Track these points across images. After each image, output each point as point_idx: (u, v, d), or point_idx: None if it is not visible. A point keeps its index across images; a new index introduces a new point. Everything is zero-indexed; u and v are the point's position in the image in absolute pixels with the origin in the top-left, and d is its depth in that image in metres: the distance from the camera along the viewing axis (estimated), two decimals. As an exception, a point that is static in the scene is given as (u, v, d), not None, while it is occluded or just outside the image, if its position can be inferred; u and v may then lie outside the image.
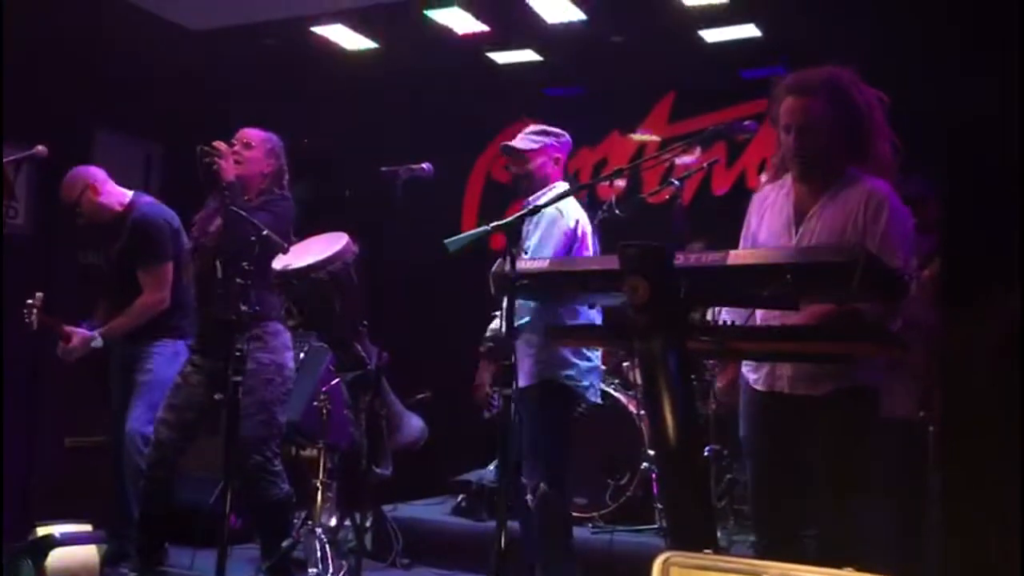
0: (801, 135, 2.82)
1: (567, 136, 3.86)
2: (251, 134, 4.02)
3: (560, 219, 3.61)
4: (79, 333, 4.31)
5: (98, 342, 4.33)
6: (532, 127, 3.82)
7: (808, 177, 2.89)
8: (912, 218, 2.87)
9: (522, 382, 3.62)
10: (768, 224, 2.96)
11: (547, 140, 3.76)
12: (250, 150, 3.94)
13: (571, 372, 3.64)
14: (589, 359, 3.71)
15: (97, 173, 4.51)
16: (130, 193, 4.54)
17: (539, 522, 3.65)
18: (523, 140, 3.76)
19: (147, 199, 4.54)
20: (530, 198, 3.72)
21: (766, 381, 2.90)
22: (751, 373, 3.00)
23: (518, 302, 3.40)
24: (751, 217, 3.06)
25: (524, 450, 3.63)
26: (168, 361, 4.31)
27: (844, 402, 2.77)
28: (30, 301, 4.24)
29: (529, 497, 3.61)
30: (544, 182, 3.75)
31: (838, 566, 1.82)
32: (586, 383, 3.69)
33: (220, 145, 3.75)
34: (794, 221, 2.88)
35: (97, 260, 4.51)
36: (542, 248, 3.56)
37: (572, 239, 3.63)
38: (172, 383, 4.01)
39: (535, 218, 3.61)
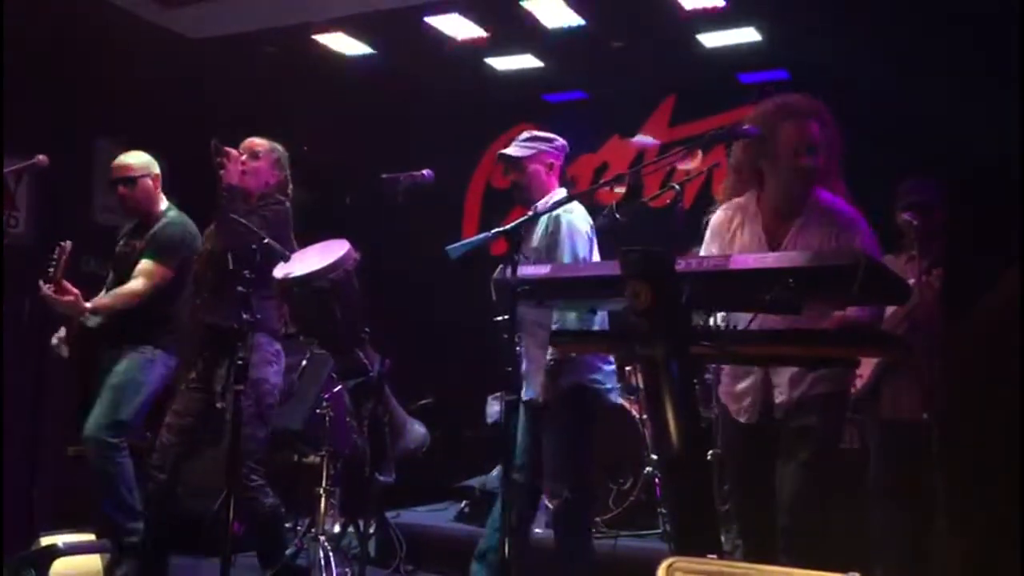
0: (809, 155, 2.89)
1: (561, 140, 3.85)
2: (258, 144, 4.04)
3: (581, 229, 3.64)
4: (79, 299, 4.08)
5: (88, 318, 4.19)
6: (525, 133, 3.83)
7: (790, 198, 2.95)
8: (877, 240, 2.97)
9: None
10: (740, 247, 2.99)
11: (541, 146, 3.76)
12: (256, 160, 3.98)
13: (598, 376, 3.66)
14: (610, 362, 3.74)
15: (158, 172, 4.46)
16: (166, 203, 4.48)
17: (563, 527, 3.65)
18: (516, 148, 3.77)
19: (175, 212, 4.44)
20: (536, 204, 3.70)
21: (755, 413, 2.96)
22: (731, 403, 3.04)
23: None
24: (712, 240, 3.09)
25: (547, 458, 3.62)
26: (140, 366, 4.23)
27: (824, 402, 2.90)
28: (62, 243, 4.07)
29: (549, 503, 3.60)
30: (541, 188, 3.75)
31: (843, 571, 1.81)
32: (609, 385, 3.72)
33: (232, 151, 3.76)
34: (767, 244, 2.94)
35: (98, 269, 4.49)
36: (570, 259, 3.57)
37: (591, 245, 3.68)
38: (149, 387, 4.11)
39: (548, 225, 3.64)
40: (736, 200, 3.07)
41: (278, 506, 3.91)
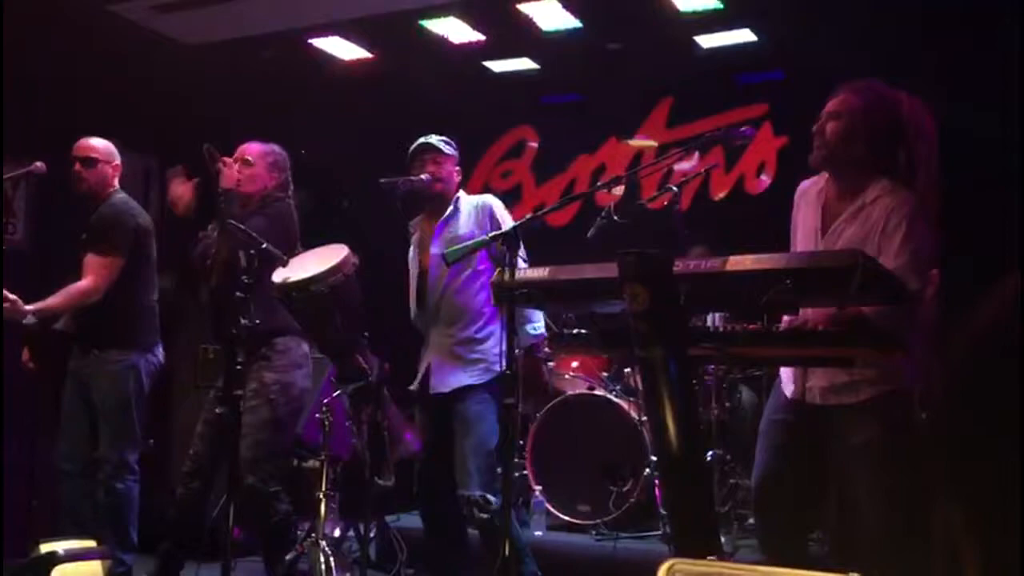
0: (827, 119, 2.84)
1: None
2: (251, 150, 4.01)
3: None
4: (16, 303, 3.96)
5: (30, 319, 4.05)
6: (440, 136, 3.97)
7: (833, 171, 2.88)
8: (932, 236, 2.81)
9: (468, 380, 3.69)
10: (802, 227, 2.95)
11: (455, 153, 3.99)
12: (249, 167, 3.96)
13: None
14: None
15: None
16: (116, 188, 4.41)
17: (492, 532, 3.56)
18: (443, 144, 3.94)
19: (122, 195, 4.36)
20: (458, 196, 3.94)
21: (795, 391, 2.86)
22: (784, 371, 2.95)
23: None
24: (794, 212, 3.03)
25: (467, 458, 3.61)
26: (121, 379, 4.12)
27: (880, 406, 2.72)
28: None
29: (476, 511, 3.55)
30: (455, 186, 3.97)
31: (843, 570, 1.81)
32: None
33: (227, 158, 3.74)
34: (820, 229, 2.87)
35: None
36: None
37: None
38: (135, 396, 4.08)
39: (478, 210, 3.87)
40: (820, 175, 2.97)
41: (289, 514, 3.90)
